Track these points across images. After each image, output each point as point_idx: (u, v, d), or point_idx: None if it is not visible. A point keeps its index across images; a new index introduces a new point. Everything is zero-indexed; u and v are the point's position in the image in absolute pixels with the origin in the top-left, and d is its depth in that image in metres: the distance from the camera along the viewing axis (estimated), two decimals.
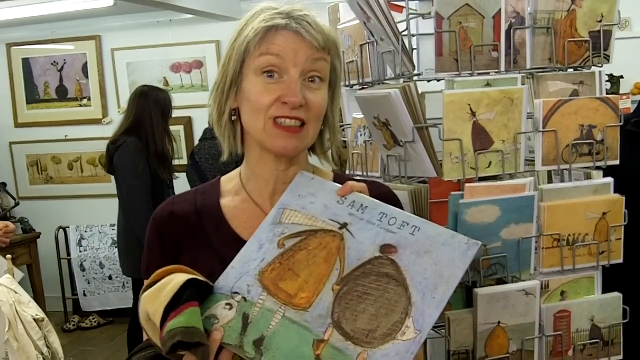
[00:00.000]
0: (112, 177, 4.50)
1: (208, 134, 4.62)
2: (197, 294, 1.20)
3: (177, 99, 5.84)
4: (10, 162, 6.67)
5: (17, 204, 6.11)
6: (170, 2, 5.01)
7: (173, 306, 1.16)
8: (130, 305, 4.80)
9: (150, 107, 4.38)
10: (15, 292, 2.54)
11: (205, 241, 1.40)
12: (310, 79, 1.31)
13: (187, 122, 6.14)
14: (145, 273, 1.40)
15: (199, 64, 6.08)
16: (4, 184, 6.37)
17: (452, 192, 1.80)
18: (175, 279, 1.19)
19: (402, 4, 1.91)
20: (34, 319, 2.53)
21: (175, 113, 5.22)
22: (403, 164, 1.85)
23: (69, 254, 6.32)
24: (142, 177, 4.25)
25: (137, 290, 4.59)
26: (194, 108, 5.96)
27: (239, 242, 1.36)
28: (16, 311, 2.47)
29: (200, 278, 1.22)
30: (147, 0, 4.92)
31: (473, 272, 1.83)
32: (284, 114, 1.29)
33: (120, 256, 4.57)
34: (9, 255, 2.61)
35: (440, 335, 1.89)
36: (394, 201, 1.45)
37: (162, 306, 1.16)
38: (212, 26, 5.89)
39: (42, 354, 2.61)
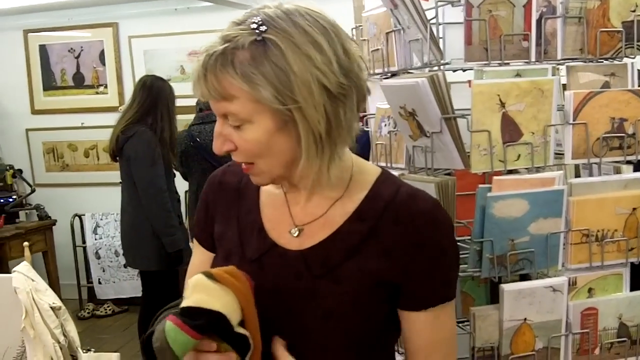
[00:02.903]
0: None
1: (207, 119, 4.68)
2: (219, 329, 1.14)
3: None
4: (26, 149, 6.66)
5: (33, 191, 6.11)
6: None
7: (189, 314, 1.13)
8: None
9: (165, 96, 4.38)
10: (33, 280, 2.52)
11: (236, 220, 1.36)
12: (235, 127, 1.19)
13: None
14: (193, 233, 1.43)
15: None
16: (20, 171, 6.36)
17: (480, 185, 1.76)
18: (219, 300, 1.14)
19: None
20: (51, 307, 2.51)
21: (193, 102, 5.21)
22: (429, 155, 1.81)
23: (84, 241, 6.31)
24: (158, 165, 4.23)
25: (146, 283, 4.58)
26: None
27: (260, 233, 1.32)
28: (33, 299, 2.45)
29: (238, 329, 1.16)
30: None
31: (500, 267, 1.79)
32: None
33: (128, 248, 4.50)
34: (25, 243, 2.59)
35: (465, 332, 1.85)
36: (428, 224, 1.26)
37: (187, 303, 1.14)
38: (230, 14, 5.78)
39: (58, 342, 2.59)
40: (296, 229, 1.30)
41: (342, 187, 1.30)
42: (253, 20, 1.14)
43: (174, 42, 6.11)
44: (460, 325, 1.90)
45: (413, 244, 1.23)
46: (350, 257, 1.25)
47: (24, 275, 2.48)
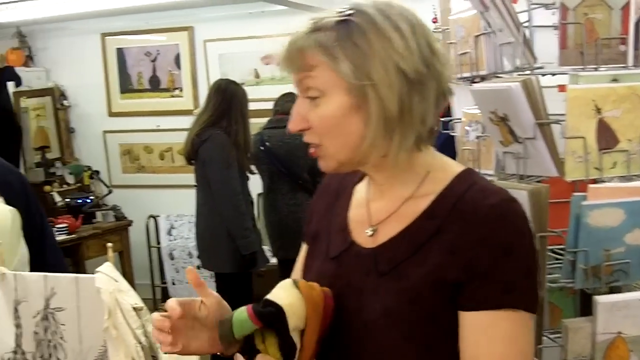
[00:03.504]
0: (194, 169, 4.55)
1: (278, 123, 4.74)
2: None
3: (267, 91, 5.87)
4: (104, 150, 6.79)
5: (110, 192, 6.23)
6: None
7: (260, 303, 1.18)
8: None
9: (239, 100, 4.42)
10: (115, 281, 2.55)
11: (328, 221, 1.40)
12: (311, 100, 1.24)
13: None
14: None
15: None
16: (97, 172, 6.50)
17: (575, 194, 1.71)
18: (288, 299, 1.18)
19: None
20: (133, 308, 2.53)
21: (266, 105, 5.27)
22: (521, 161, 1.77)
23: (159, 242, 6.41)
24: (232, 168, 4.27)
25: (220, 284, 4.63)
26: None
27: (343, 232, 1.34)
28: (116, 300, 2.48)
29: (293, 333, 1.19)
30: None
31: (593, 278, 1.73)
32: None
33: (203, 250, 4.59)
34: (109, 244, 2.62)
35: (555, 344, 1.80)
36: (492, 218, 1.19)
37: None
38: (304, 18, 5.83)
39: (140, 343, 2.61)
40: (370, 228, 1.31)
41: (415, 183, 1.28)
42: (342, 7, 1.21)
43: (248, 46, 6.16)
44: (549, 336, 1.86)
45: (476, 240, 1.17)
46: (414, 254, 1.23)
47: (107, 275, 2.51)
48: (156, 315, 1.25)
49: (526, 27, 1.78)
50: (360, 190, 1.38)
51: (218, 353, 1.27)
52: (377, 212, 1.32)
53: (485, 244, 1.17)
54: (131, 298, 2.57)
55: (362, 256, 1.29)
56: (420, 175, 1.28)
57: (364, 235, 1.31)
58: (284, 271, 5.11)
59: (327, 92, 1.21)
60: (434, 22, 2.69)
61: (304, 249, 1.49)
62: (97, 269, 2.51)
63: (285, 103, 4.95)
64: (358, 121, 1.20)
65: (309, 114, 1.24)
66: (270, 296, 1.19)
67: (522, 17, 1.82)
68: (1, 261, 2.36)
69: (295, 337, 1.18)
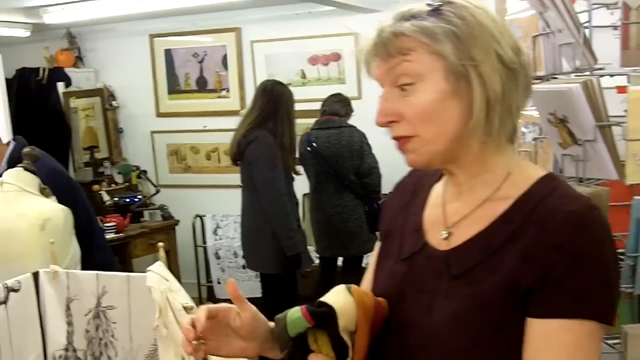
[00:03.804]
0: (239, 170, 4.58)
1: (325, 124, 4.89)
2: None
3: (314, 91, 5.87)
4: (151, 150, 6.85)
5: (157, 192, 6.28)
6: None
7: (314, 303, 1.20)
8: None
9: (285, 101, 4.43)
10: (166, 280, 2.57)
11: (403, 221, 1.36)
12: (402, 89, 1.19)
13: None
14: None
15: (336, 57, 6.04)
16: (145, 172, 6.56)
17: (636, 197, 1.67)
18: (339, 302, 1.20)
19: None
20: (184, 307, 2.54)
21: (312, 106, 5.27)
22: (581, 164, 1.73)
23: (205, 242, 6.45)
24: (278, 169, 4.28)
25: (265, 285, 4.64)
26: None
27: (417, 233, 1.31)
28: (167, 299, 2.49)
29: (344, 334, 1.20)
30: None
31: None
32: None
33: (250, 251, 4.59)
34: (160, 243, 2.64)
35: (615, 351, 1.76)
36: (570, 224, 1.14)
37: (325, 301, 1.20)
38: (351, 18, 5.80)
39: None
40: (445, 231, 1.27)
41: (495, 185, 1.24)
42: (429, 2, 1.19)
43: (294, 47, 6.17)
44: (609, 344, 1.81)
45: (552, 246, 1.12)
46: (487, 259, 1.19)
47: (158, 274, 2.52)
48: (186, 322, 1.25)
49: (586, 27, 1.74)
50: (437, 191, 1.34)
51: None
52: (452, 214, 1.28)
53: (561, 251, 1.12)
54: (182, 297, 2.58)
55: (434, 259, 1.26)
56: (500, 177, 1.24)
57: (438, 237, 1.28)
58: (326, 269, 5.13)
59: (425, 77, 1.17)
60: None
61: (377, 247, 1.45)
62: (149, 268, 2.52)
63: (332, 104, 4.96)
64: (455, 106, 1.17)
65: (399, 104, 1.19)
66: (324, 298, 1.21)
67: (581, 17, 1.79)
68: (54, 259, 2.39)
69: (346, 338, 1.19)
